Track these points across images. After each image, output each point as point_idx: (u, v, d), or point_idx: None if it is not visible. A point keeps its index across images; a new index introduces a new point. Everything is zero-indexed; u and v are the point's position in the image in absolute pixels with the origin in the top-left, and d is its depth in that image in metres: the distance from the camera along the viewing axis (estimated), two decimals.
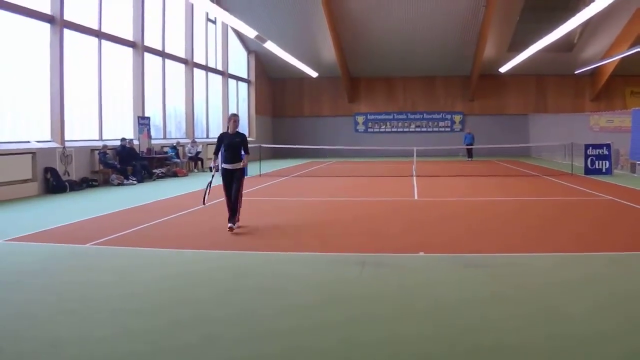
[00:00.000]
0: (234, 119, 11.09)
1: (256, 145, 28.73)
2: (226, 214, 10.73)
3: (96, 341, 5.14)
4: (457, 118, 42.60)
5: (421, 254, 8.63)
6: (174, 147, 26.12)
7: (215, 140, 11.12)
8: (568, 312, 5.85)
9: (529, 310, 5.90)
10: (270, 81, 43.20)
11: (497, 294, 6.55)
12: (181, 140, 28.10)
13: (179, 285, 7.05)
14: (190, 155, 27.85)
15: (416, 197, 16.42)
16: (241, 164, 10.97)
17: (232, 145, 10.91)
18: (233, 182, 10.91)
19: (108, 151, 20.78)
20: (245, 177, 11.66)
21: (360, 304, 6.25)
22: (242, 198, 11.28)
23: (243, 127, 38.92)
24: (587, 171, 22.65)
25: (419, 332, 5.35)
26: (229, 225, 10.59)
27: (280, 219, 12.31)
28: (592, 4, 18.63)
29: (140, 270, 7.84)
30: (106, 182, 20.35)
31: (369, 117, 43.25)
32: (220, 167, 11.10)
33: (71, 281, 7.23)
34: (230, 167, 10.95)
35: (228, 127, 11.08)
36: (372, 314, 5.87)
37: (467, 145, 36.55)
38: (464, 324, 5.53)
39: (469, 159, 36.35)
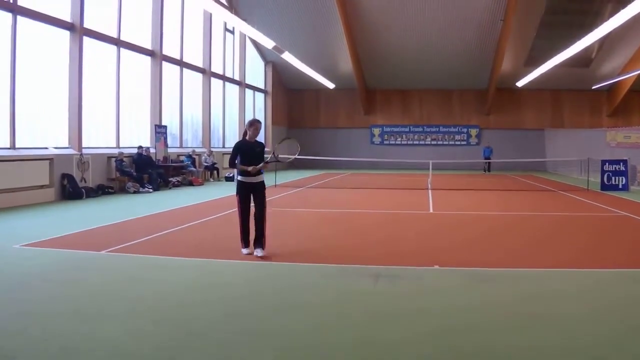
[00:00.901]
0: (256, 125, 9.56)
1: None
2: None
3: (110, 350, 5.13)
4: (474, 132, 42.50)
5: (436, 267, 8.59)
6: (189, 156, 26.19)
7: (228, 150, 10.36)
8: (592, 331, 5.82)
9: (543, 327, 5.85)
10: (287, 92, 43.30)
11: (513, 310, 6.52)
12: (198, 150, 28.18)
13: (194, 295, 7.04)
14: (206, 164, 27.92)
15: (431, 210, 16.36)
16: (260, 166, 9.35)
17: (252, 155, 9.35)
18: (253, 199, 9.43)
19: (125, 159, 20.88)
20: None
21: (374, 318, 6.20)
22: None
23: (259, 137, 38.88)
24: (604, 187, 22.49)
25: (432, 349, 5.31)
26: (247, 250, 9.30)
27: (294, 230, 12.30)
28: (610, 20, 18.56)
29: (155, 279, 7.82)
30: (122, 190, 20.42)
31: (385, 129, 43.23)
32: (236, 180, 9.55)
33: (86, 288, 7.23)
34: (251, 181, 9.38)
35: (246, 134, 9.57)
36: (385, 329, 5.83)
37: (485, 158, 36.53)
38: (476, 340, 5.50)
39: (487, 172, 36.32)
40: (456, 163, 36.56)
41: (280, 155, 10.23)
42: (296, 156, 11.31)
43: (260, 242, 9.30)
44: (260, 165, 9.35)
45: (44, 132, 18.52)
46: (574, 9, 30.38)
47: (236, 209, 9.58)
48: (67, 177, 18.03)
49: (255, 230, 9.32)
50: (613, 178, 22.61)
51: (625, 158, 23.09)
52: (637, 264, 9.04)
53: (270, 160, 9.77)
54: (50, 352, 5.08)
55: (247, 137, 9.56)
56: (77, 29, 18.88)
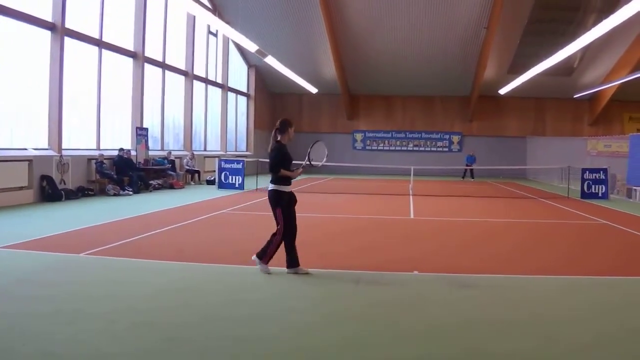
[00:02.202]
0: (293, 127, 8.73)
1: (254, 159, 28.70)
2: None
3: (90, 353, 5.08)
4: (456, 138, 42.61)
5: (415, 272, 8.63)
6: (164, 159, 25.87)
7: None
8: (569, 337, 5.81)
9: (521, 333, 5.86)
10: (269, 96, 43.19)
11: (492, 316, 6.53)
12: (179, 153, 28.05)
13: (175, 298, 6.99)
14: (188, 167, 27.75)
15: (412, 216, 16.38)
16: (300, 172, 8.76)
17: (290, 161, 8.63)
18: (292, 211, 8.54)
19: (105, 161, 20.69)
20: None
21: (354, 323, 6.20)
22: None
23: (241, 141, 38.91)
24: (584, 195, 22.62)
25: (411, 355, 5.29)
26: (302, 269, 8.45)
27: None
28: (593, 30, 18.67)
29: (134, 282, 7.75)
30: (102, 192, 20.24)
31: (367, 134, 43.26)
32: (273, 192, 8.42)
33: (64, 291, 7.14)
34: (292, 189, 8.62)
35: (278, 136, 8.59)
36: (365, 335, 5.82)
37: (467, 165, 36.61)
38: (456, 345, 5.51)
39: (470, 179, 36.43)
40: (438, 169, 36.63)
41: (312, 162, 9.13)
42: (324, 161, 9.35)
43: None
44: (300, 170, 8.74)
45: (24, 133, 18.32)
46: (558, 18, 30.57)
47: (280, 225, 8.41)
48: (46, 178, 17.85)
49: (291, 246, 8.48)
50: (593, 186, 22.77)
51: (605, 167, 23.27)
52: (614, 271, 9.18)
53: (305, 165, 9.11)
54: (30, 353, 5.03)
55: (280, 139, 8.55)
56: (58, 29, 18.71)
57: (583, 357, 5.31)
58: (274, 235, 8.41)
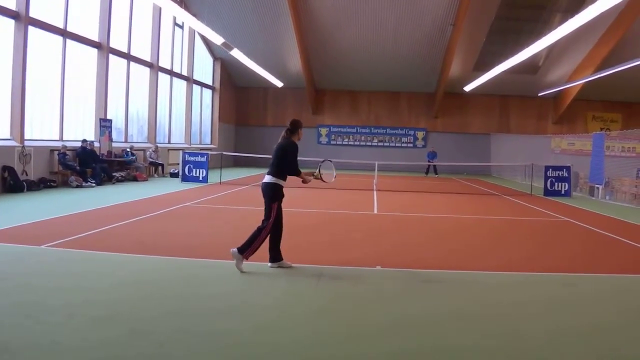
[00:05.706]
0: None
1: (218, 152, 28.57)
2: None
3: (50, 347, 5.04)
4: (420, 134, 42.82)
5: (378, 267, 8.72)
6: (127, 152, 25.47)
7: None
8: (525, 331, 5.90)
9: (485, 328, 5.95)
10: (235, 89, 43.02)
11: (453, 311, 6.61)
12: (143, 145, 27.83)
13: (136, 292, 6.97)
14: (151, 160, 27.55)
15: (376, 211, 16.47)
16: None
17: None
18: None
19: (68, 152, 20.46)
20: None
21: (315, 318, 6.26)
22: None
23: (206, 134, 38.71)
24: (547, 192, 22.96)
25: (372, 351, 5.33)
26: (286, 263, 8.55)
27: (237, 228, 12.21)
28: (558, 29, 18.91)
29: (96, 275, 7.70)
30: (65, 184, 20.03)
31: (332, 129, 43.27)
32: (272, 185, 8.47)
33: (25, 283, 7.07)
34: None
35: (290, 135, 8.85)
36: (325, 330, 5.87)
37: (429, 161, 36.89)
38: (418, 341, 5.58)
39: (434, 174, 36.73)
40: (402, 165, 36.80)
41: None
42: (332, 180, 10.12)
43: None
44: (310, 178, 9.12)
45: None
46: (524, 16, 30.93)
47: (271, 219, 8.37)
48: (7, 169, 17.60)
49: (279, 241, 8.53)
50: (556, 184, 23.12)
51: (568, 165, 23.60)
52: (575, 268, 9.38)
53: (316, 175, 9.44)
54: None
55: (292, 138, 8.82)
56: (22, 18, 18.43)
57: (542, 352, 5.42)
58: (259, 229, 8.33)
